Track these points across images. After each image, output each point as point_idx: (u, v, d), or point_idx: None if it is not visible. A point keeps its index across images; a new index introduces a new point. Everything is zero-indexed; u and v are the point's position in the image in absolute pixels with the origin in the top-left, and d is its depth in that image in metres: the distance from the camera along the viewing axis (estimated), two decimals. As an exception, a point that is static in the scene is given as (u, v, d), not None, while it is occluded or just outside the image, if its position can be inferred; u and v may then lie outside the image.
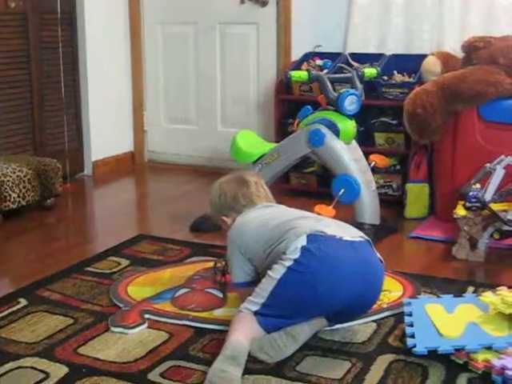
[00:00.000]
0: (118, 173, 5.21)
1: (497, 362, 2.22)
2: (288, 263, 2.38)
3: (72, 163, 4.87)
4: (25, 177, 3.98)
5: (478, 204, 3.34)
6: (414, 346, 2.34)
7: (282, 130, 4.54)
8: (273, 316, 2.40)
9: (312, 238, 2.42)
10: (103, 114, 5.12)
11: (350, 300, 2.42)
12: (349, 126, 3.62)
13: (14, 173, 3.93)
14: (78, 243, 3.74)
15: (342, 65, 4.19)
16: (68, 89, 4.90)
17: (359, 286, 2.41)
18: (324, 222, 2.57)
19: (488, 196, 3.34)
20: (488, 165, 3.52)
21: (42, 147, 4.72)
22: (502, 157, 3.50)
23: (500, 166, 3.46)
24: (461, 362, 2.31)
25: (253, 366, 2.33)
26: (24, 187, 3.97)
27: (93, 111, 5.05)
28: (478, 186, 3.43)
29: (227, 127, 5.11)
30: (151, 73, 5.43)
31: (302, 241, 2.41)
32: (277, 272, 2.39)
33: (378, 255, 2.57)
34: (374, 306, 2.71)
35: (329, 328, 2.57)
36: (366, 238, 2.57)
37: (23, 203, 3.98)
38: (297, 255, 2.38)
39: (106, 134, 5.16)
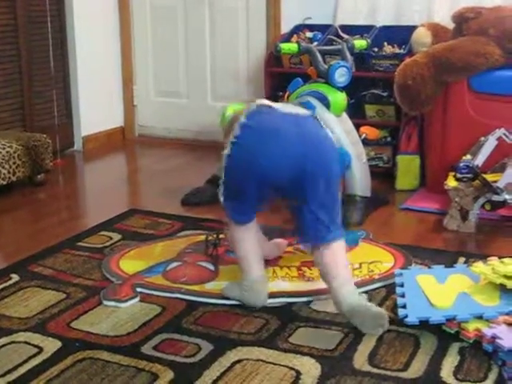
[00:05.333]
0: (109, 148, 5.20)
1: (488, 331, 2.24)
2: (232, 140, 2.50)
3: (62, 139, 4.84)
4: (14, 153, 3.96)
5: (468, 175, 3.35)
6: (406, 317, 2.35)
7: (272, 103, 4.52)
8: (230, 198, 2.53)
9: (252, 113, 2.54)
10: (93, 88, 5.09)
11: (294, 169, 2.43)
12: (339, 98, 3.60)
13: (4, 149, 3.92)
14: (69, 218, 3.74)
15: (332, 37, 4.17)
16: (57, 64, 4.87)
17: (300, 152, 2.44)
18: (265, 101, 2.66)
19: (478, 163, 3.35)
20: (482, 138, 3.53)
21: (31, 123, 4.69)
22: (497, 130, 3.51)
23: (493, 136, 3.47)
24: (452, 331, 2.32)
25: (245, 337, 2.34)
26: (14, 163, 3.95)
27: (82, 86, 5.02)
28: (468, 157, 3.44)
29: (217, 101, 5.08)
30: (140, 47, 5.39)
31: (242, 118, 2.52)
32: (225, 149, 2.52)
33: (327, 130, 2.62)
34: (366, 277, 2.73)
35: (324, 298, 2.60)
36: (315, 115, 2.67)
37: (13, 179, 3.97)
38: (238, 132, 2.49)
39: (95, 109, 5.14)
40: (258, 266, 2.61)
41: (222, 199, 2.57)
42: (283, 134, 2.45)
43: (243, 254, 2.60)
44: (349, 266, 2.57)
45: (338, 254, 2.48)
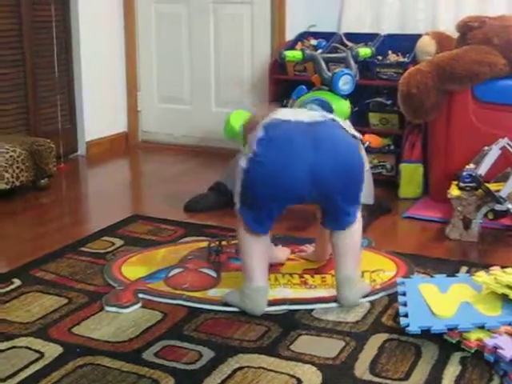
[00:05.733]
0: (112, 153, 5.20)
1: (489, 341, 2.23)
2: (250, 155, 2.48)
3: (66, 143, 4.85)
4: (18, 157, 3.97)
5: (471, 184, 3.34)
6: (408, 326, 2.35)
7: (276, 110, 4.52)
8: (249, 207, 2.52)
9: (268, 127, 2.50)
10: (97, 94, 5.10)
11: (314, 179, 2.44)
12: (343, 106, 3.59)
13: (8, 153, 3.92)
14: (71, 223, 3.74)
15: (337, 44, 4.17)
16: (61, 68, 4.88)
17: (316, 161, 2.44)
18: (281, 112, 2.64)
19: (481, 172, 3.35)
20: (486, 148, 3.53)
21: (35, 127, 4.70)
22: (500, 139, 3.51)
23: (496, 146, 3.47)
24: (454, 341, 2.32)
25: (247, 345, 2.34)
26: (17, 167, 3.96)
27: (86, 91, 5.03)
28: (471, 166, 3.44)
29: (221, 107, 5.09)
30: (145, 53, 5.40)
31: (260, 133, 2.49)
32: (243, 162, 2.49)
33: (351, 132, 2.64)
34: (368, 286, 2.73)
35: (324, 307, 2.60)
36: (331, 117, 2.64)
37: (17, 183, 3.97)
38: (255, 148, 2.47)
39: (99, 114, 5.14)
40: (262, 276, 2.59)
41: (237, 205, 2.56)
42: (299, 149, 2.45)
43: (249, 261, 2.58)
44: (359, 255, 2.70)
45: (350, 244, 2.65)
